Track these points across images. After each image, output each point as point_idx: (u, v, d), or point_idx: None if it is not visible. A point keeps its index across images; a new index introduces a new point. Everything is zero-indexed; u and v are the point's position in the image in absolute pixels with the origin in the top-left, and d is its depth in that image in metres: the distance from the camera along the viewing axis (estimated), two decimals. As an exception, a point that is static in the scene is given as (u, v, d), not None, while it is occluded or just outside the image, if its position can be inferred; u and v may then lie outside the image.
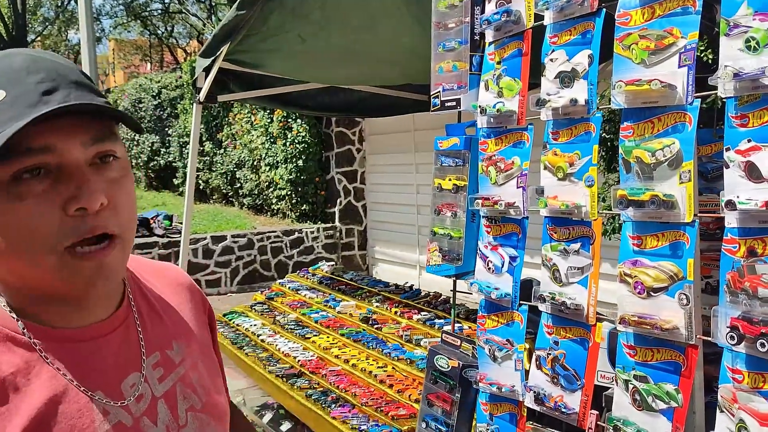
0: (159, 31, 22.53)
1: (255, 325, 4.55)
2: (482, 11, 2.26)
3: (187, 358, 1.13)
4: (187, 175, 4.74)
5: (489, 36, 2.25)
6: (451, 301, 2.53)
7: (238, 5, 3.83)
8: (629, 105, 1.78)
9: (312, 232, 10.84)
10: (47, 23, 25.20)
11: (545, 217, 2.04)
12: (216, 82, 4.58)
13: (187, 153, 13.83)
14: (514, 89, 2.14)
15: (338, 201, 10.93)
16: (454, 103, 2.30)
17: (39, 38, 26.38)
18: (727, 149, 1.58)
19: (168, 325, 1.16)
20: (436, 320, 3.90)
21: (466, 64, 2.28)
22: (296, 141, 10.76)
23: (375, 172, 10.67)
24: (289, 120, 10.83)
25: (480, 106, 2.20)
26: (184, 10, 20.95)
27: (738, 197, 1.51)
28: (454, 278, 2.37)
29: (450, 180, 2.32)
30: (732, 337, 1.51)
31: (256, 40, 4.05)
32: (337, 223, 10.94)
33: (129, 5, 22.23)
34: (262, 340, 4.29)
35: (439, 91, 2.36)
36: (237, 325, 4.64)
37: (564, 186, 1.97)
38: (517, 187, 2.12)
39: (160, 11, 22.49)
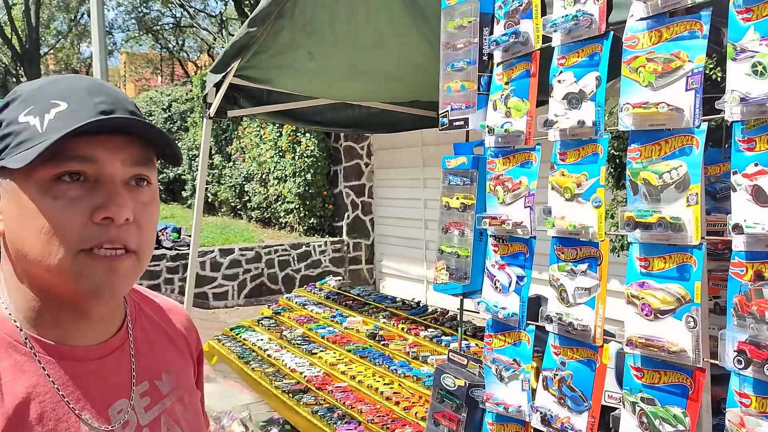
0: (170, 45, 22.73)
1: (262, 339, 4.55)
2: (491, 32, 2.28)
3: (174, 391, 1.16)
4: (197, 189, 4.77)
5: (497, 57, 2.27)
6: (458, 320, 2.53)
7: (249, 23, 3.87)
8: (637, 127, 1.79)
9: (319, 246, 10.85)
10: (60, 36, 25.50)
11: (552, 237, 2.04)
12: (226, 98, 4.62)
13: (197, 166, 13.92)
14: (521, 109, 2.16)
15: (346, 215, 10.95)
16: (462, 123, 2.31)
17: (52, 51, 26.68)
18: (734, 173, 1.59)
19: (160, 356, 1.19)
20: (443, 337, 3.90)
21: (475, 84, 2.29)
22: (305, 155, 10.80)
23: (383, 186, 10.69)
24: (298, 134, 10.87)
25: (488, 126, 2.22)
26: (195, 25, 21.13)
27: (745, 221, 1.52)
28: (462, 297, 2.38)
29: (458, 198, 2.33)
30: (739, 361, 1.51)
31: (266, 56, 4.08)
32: (344, 237, 10.96)
33: (141, 19, 22.45)
34: (269, 355, 4.29)
35: (448, 111, 2.37)
36: (244, 339, 4.65)
37: (571, 206, 1.98)
38: (525, 207, 2.13)
39: (171, 25, 22.70)
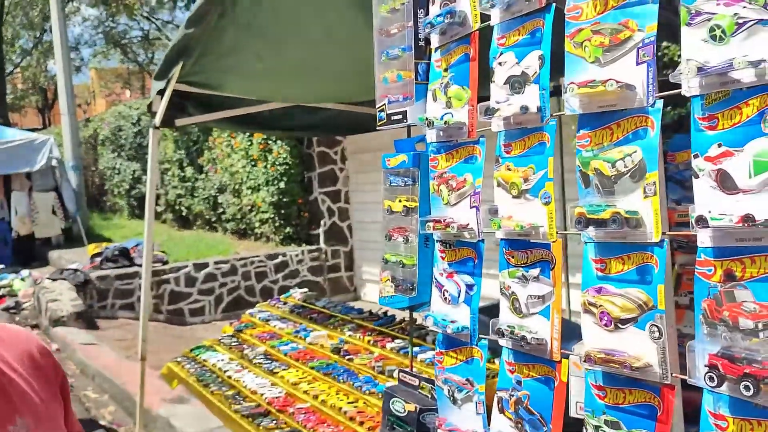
0: (139, 59, 22.37)
1: (222, 360, 4.29)
2: (426, 14, 2.05)
3: None
4: (146, 205, 4.51)
5: (434, 41, 2.04)
6: (409, 337, 2.30)
7: (185, 23, 3.63)
8: (584, 110, 1.57)
9: (297, 255, 10.60)
10: (25, 54, 25.02)
11: (501, 239, 1.81)
12: (174, 106, 4.36)
13: (168, 179, 13.64)
14: (462, 98, 1.93)
15: (322, 222, 10.71)
16: (400, 117, 2.08)
17: (18, 69, 26.19)
18: (696, 156, 1.37)
19: (13, 399, 1.05)
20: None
21: (412, 72, 2.06)
22: (277, 163, 10.55)
23: (359, 191, 10.46)
24: (269, 142, 10.62)
25: (427, 119, 1.99)
26: (163, 37, 20.78)
27: (710, 212, 1.29)
28: (410, 310, 2.14)
29: (400, 201, 2.10)
30: (711, 378, 1.28)
31: (211, 59, 3.84)
32: (322, 245, 10.71)
33: (108, 33, 22.06)
34: (229, 376, 4.03)
35: (385, 104, 2.14)
36: (204, 360, 4.39)
37: (519, 204, 1.75)
38: (471, 207, 1.90)
39: (139, 38, 22.34)
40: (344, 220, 10.81)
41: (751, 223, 1.21)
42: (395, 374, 3.41)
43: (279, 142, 10.47)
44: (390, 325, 4.07)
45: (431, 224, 1.95)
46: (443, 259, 2.00)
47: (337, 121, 5.24)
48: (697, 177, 1.36)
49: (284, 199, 10.67)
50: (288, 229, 10.88)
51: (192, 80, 4.06)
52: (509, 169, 1.78)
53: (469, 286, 1.91)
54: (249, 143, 10.99)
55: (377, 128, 2.19)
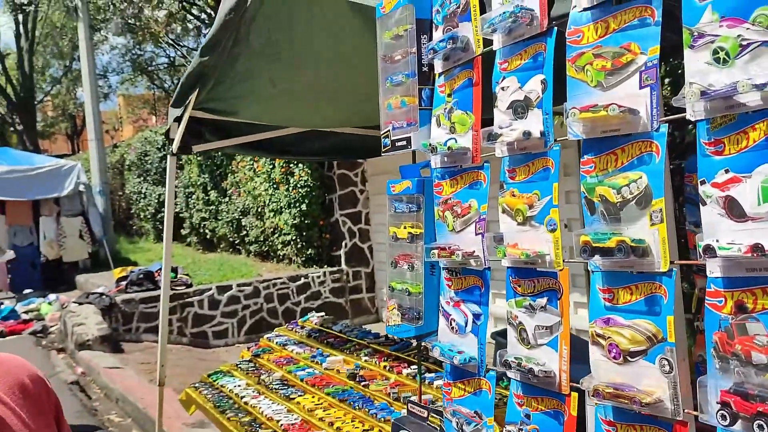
0: (165, 85, 22.71)
1: (239, 385, 4.26)
2: (429, 39, 2.03)
3: None
4: (164, 229, 4.52)
5: (438, 66, 2.01)
6: (417, 368, 2.25)
7: (200, 51, 3.65)
8: (588, 135, 1.52)
9: (318, 277, 10.58)
10: (55, 83, 25.55)
11: (507, 267, 1.77)
12: (191, 132, 4.39)
13: (193, 203, 13.76)
14: (466, 124, 1.89)
15: (344, 243, 10.68)
16: (404, 143, 2.05)
17: (48, 97, 26.75)
18: (702, 182, 1.31)
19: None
20: (427, 374, 3.59)
21: (416, 98, 2.04)
22: (299, 185, 10.58)
23: (379, 212, 10.43)
24: (291, 165, 10.66)
25: (431, 145, 1.95)
26: (188, 63, 21.04)
27: (717, 241, 1.24)
28: (417, 340, 2.09)
29: (405, 228, 2.06)
30: (724, 417, 1.22)
31: (225, 87, 3.86)
32: (343, 266, 10.67)
33: (135, 61, 22.44)
34: (246, 402, 4.00)
35: (389, 130, 2.11)
36: (221, 386, 4.36)
37: (524, 232, 1.70)
38: (476, 234, 1.86)
39: (165, 65, 22.69)
40: (365, 241, 10.78)
41: (761, 254, 1.15)
42: (411, 401, 3.36)
43: (300, 165, 10.50)
44: (406, 350, 4.01)
45: (436, 252, 1.91)
46: (450, 287, 1.96)
47: (354, 144, 5.23)
48: (704, 204, 1.30)
49: (306, 221, 10.68)
50: (310, 251, 10.87)
51: (208, 107, 4.08)
52: (514, 195, 1.74)
53: (476, 316, 1.86)
54: (271, 166, 11.04)
55: (382, 154, 2.16)
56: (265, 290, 10.52)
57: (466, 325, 1.88)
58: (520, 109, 1.71)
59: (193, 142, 4.54)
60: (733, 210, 1.25)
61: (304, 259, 10.98)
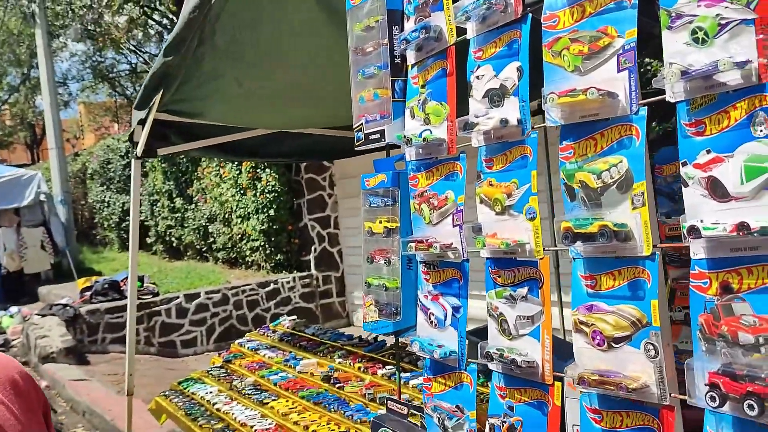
0: (127, 92, 22.30)
1: (211, 392, 4.18)
2: (401, 30, 2.00)
3: None
4: (130, 237, 4.42)
5: (410, 57, 1.98)
6: (396, 364, 2.21)
7: (164, 51, 3.56)
8: (566, 120, 1.51)
9: (288, 282, 10.48)
10: (13, 91, 24.93)
11: (487, 258, 1.74)
12: (155, 135, 4.29)
13: (158, 211, 13.55)
14: (441, 114, 1.87)
15: (313, 248, 10.60)
16: (378, 136, 2.02)
17: (5, 106, 26.08)
18: (684, 164, 1.30)
19: None
20: (403, 374, 3.56)
21: (389, 90, 2.01)
22: (266, 191, 10.47)
23: (348, 216, 10.38)
24: (258, 170, 10.56)
25: (405, 137, 1.92)
26: (151, 69, 20.72)
27: (702, 222, 1.22)
28: (395, 336, 2.06)
29: (381, 222, 2.03)
30: (713, 398, 1.20)
31: (190, 87, 3.77)
32: (313, 271, 10.59)
33: (96, 68, 21.99)
34: (218, 409, 3.91)
35: (362, 124, 2.08)
36: (192, 393, 4.27)
37: (503, 221, 1.68)
38: (453, 226, 1.83)
39: (127, 72, 22.30)
40: (334, 245, 10.72)
41: (747, 232, 1.14)
42: (387, 402, 3.32)
43: (268, 170, 10.41)
44: (380, 351, 3.97)
45: (413, 245, 1.87)
46: (427, 281, 1.92)
47: (323, 146, 5.18)
48: (686, 185, 1.29)
49: (274, 227, 10.58)
50: (279, 257, 10.77)
51: (173, 108, 4.00)
52: (491, 185, 1.71)
53: (456, 309, 1.83)
54: (238, 172, 10.92)
55: (355, 148, 2.12)
56: (234, 297, 10.39)
57: (445, 319, 1.85)
58: (496, 97, 1.69)
59: (158, 145, 4.45)
60: (716, 190, 1.24)
61: (273, 264, 10.88)
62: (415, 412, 2.02)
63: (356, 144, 2.10)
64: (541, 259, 1.60)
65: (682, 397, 1.34)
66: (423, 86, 1.93)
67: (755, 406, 1.13)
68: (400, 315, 1.96)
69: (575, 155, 1.50)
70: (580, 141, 1.49)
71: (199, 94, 3.89)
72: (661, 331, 1.35)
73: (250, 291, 10.47)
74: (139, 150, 4.24)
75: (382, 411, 3.25)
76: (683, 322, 2.25)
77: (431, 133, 1.86)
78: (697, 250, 1.27)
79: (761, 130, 1.17)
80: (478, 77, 1.74)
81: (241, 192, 10.98)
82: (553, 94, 1.47)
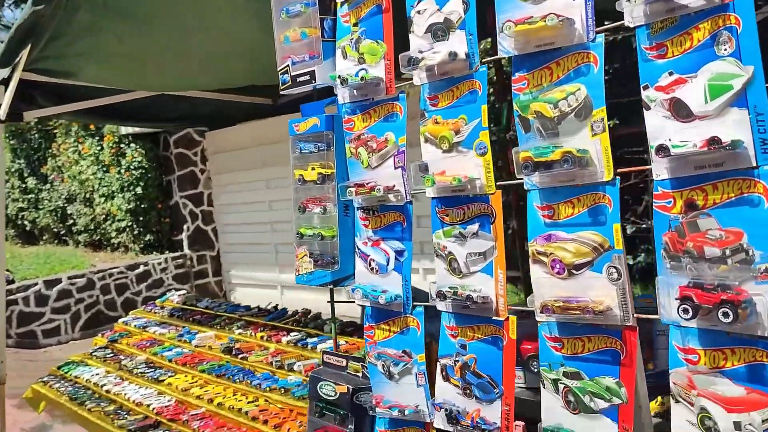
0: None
1: (97, 374, 3.89)
2: (329, -34, 1.90)
3: None
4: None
5: (340, -6, 1.90)
6: (331, 315, 2.14)
7: (33, -2, 3.22)
8: (520, 51, 1.49)
9: (160, 264, 9.99)
10: None
11: (432, 198, 1.71)
12: (21, 97, 3.88)
13: (8, 192, 12.43)
14: (377, 53, 1.80)
15: (185, 227, 10.17)
16: (308, 77, 1.92)
17: None
18: (645, 87, 1.33)
19: None
20: (309, 340, 3.48)
21: (317, 29, 1.91)
22: (132, 167, 9.89)
23: (222, 192, 10.03)
24: (122, 145, 9.94)
25: (340, 76, 1.84)
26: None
27: (670, 140, 1.25)
28: (331, 286, 1.98)
29: (314, 169, 1.94)
30: (685, 310, 1.24)
31: (63, 42, 3.42)
32: (186, 251, 10.17)
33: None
34: (107, 391, 3.65)
35: (288, 66, 1.96)
36: (75, 377, 3.95)
37: (451, 158, 1.65)
38: (395, 168, 1.78)
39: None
40: (209, 223, 10.33)
41: (718, 146, 1.18)
42: (295, 367, 3.24)
43: (133, 144, 9.83)
44: (282, 319, 3.87)
45: (353, 189, 1.80)
46: (366, 227, 1.86)
47: (205, 111, 4.94)
48: (648, 108, 1.32)
49: (142, 206, 10.03)
50: (148, 237, 10.24)
51: (42, 67, 3.62)
52: (437, 123, 1.67)
53: (399, 252, 1.78)
54: (99, 148, 10.22)
55: (280, 92, 2.01)
56: (101, 281, 9.77)
57: (387, 264, 1.80)
58: (439, 32, 1.65)
59: (25, 108, 4.04)
60: (680, 111, 1.27)
61: (142, 245, 10.34)
62: (355, 362, 1.96)
63: (281, 87, 1.99)
64: (492, 194, 1.59)
65: (641, 316, 1.37)
66: (356, 24, 1.86)
67: (729, 313, 1.17)
68: (338, 264, 1.89)
69: (529, 86, 1.49)
70: (535, 71, 1.48)
71: (73, 51, 3.54)
72: (623, 255, 1.38)
73: (119, 274, 9.89)
74: (2, 113, 3.82)
75: (293, 377, 3.18)
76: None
77: (368, 72, 1.79)
78: (660, 171, 1.30)
79: (725, 49, 1.21)
80: (419, 12, 1.69)
81: (104, 169, 10.32)
82: (510, 23, 1.45)
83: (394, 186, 1.76)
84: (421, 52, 1.66)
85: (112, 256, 10.78)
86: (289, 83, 1.97)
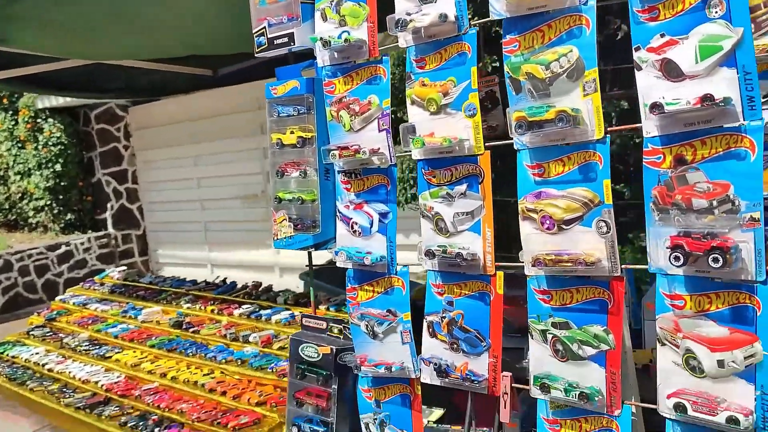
0: None
1: (37, 353, 3.74)
2: (308, -73, 1.89)
3: None
4: None
5: (320, -44, 1.89)
6: (309, 278, 2.14)
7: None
8: (512, 13, 1.53)
9: (82, 243, 9.62)
10: None
11: (419, 161, 1.74)
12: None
13: None
14: (359, 16, 1.80)
15: (109, 205, 9.84)
16: (286, 39, 1.90)
17: None
18: (637, 49, 1.39)
19: None
20: (262, 311, 3.47)
21: (296, -9, 1.89)
22: (50, 143, 9.45)
23: (148, 169, 9.72)
24: (39, 120, 9.47)
25: (321, 39, 1.83)
26: None
27: (664, 98, 1.32)
28: (311, 250, 1.99)
29: (293, 132, 1.93)
30: (677, 258, 1.32)
31: (-6, 5, 3.24)
32: (110, 230, 9.84)
33: None
34: (50, 369, 3.53)
35: (264, 28, 1.94)
36: (12, 357, 3.79)
37: (439, 119, 1.68)
38: (380, 131, 1.79)
39: None
40: (134, 202, 10.01)
41: (711, 102, 1.26)
42: (251, 339, 3.23)
43: (51, 120, 9.39)
44: (232, 292, 3.83)
45: (336, 152, 1.81)
46: (348, 190, 1.88)
47: (143, 82, 4.78)
48: (639, 69, 1.39)
49: (62, 184, 9.62)
50: (69, 216, 9.84)
51: (-33, 31, 3.42)
52: (425, 85, 1.70)
53: (383, 215, 1.81)
54: (14, 122, 9.71)
55: (256, 54, 1.98)
56: (19, 263, 9.32)
57: (371, 226, 1.82)
58: (427, -6, 1.67)
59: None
60: (671, 71, 1.34)
61: (62, 225, 9.93)
62: (335, 325, 1.98)
63: (257, 50, 1.97)
64: (481, 155, 1.64)
65: (631, 266, 1.45)
66: (337, -13, 1.85)
67: (720, 258, 1.26)
68: (319, 227, 1.89)
69: (520, 48, 1.54)
70: (526, 33, 1.53)
71: (3, 13, 3.35)
72: (612, 209, 1.45)
73: (38, 255, 9.46)
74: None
75: (249, 348, 3.16)
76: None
77: (350, 34, 1.79)
78: (650, 129, 1.38)
79: (716, 12, 1.29)
80: (405, -25, 1.70)
81: (19, 145, 9.82)
82: (504, -15, 1.49)
83: (378, 149, 1.77)
84: (408, 14, 1.68)
85: (29, 237, 10.30)
86: (266, 45, 1.95)
